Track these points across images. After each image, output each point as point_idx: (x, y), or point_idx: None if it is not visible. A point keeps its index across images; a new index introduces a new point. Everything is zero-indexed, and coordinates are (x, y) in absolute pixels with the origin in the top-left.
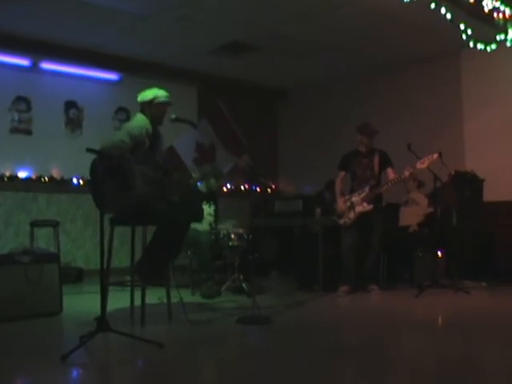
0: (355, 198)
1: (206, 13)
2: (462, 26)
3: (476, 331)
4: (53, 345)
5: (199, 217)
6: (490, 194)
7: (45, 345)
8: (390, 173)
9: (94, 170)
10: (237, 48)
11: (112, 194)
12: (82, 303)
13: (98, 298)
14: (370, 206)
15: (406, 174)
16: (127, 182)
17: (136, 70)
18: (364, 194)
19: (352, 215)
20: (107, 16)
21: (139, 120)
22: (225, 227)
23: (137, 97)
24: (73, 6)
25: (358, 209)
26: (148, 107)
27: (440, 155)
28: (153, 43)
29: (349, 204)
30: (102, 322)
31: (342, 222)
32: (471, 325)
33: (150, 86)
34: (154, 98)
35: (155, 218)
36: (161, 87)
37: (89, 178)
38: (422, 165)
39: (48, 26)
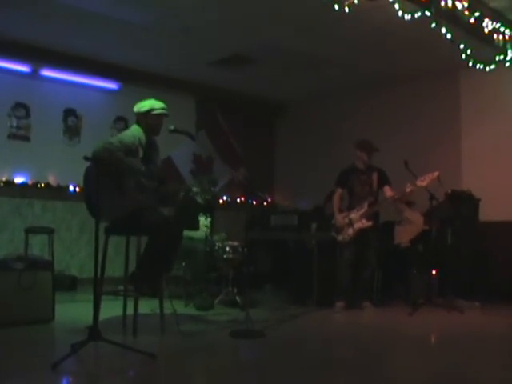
0: (354, 215)
1: (206, 25)
2: (461, 46)
3: (467, 350)
4: (44, 352)
5: (194, 228)
6: (486, 214)
7: (36, 352)
8: (388, 190)
9: (87, 178)
10: (236, 61)
11: (106, 201)
12: (74, 311)
13: (90, 307)
14: (369, 223)
15: (408, 189)
16: (121, 183)
17: (136, 79)
18: (363, 210)
19: (351, 232)
20: (109, 25)
21: (133, 130)
22: (214, 240)
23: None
24: (75, 14)
25: (357, 225)
26: (144, 118)
27: (439, 175)
28: (153, 53)
29: (347, 220)
30: (94, 331)
31: (340, 238)
32: (463, 344)
33: (148, 96)
34: (150, 110)
35: (149, 228)
36: (158, 98)
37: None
38: (422, 182)
39: (49, 33)
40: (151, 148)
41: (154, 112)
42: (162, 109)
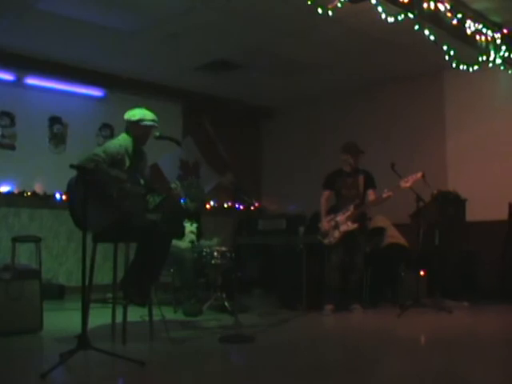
0: (340, 218)
1: (192, 31)
2: (445, 47)
3: (457, 350)
4: (32, 362)
5: (179, 233)
6: (472, 214)
7: (24, 362)
8: (371, 194)
9: (70, 190)
10: (222, 66)
11: (92, 213)
12: (63, 320)
13: (79, 315)
14: (355, 225)
15: (384, 195)
16: (105, 194)
17: (121, 86)
18: (348, 212)
19: (337, 234)
20: (93, 32)
21: (120, 139)
22: (207, 244)
23: (121, 113)
24: (59, 21)
25: (343, 228)
26: (133, 127)
27: (423, 175)
28: (138, 60)
29: (333, 223)
30: (83, 340)
31: (326, 241)
32: (452, 344)
33: (134, 103)
34: (140, 120)
35: (137, 234)
36: (146, 107)
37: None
38: (405, 184)
39: (33, 40)
40: (138, 157)
41: (144, 123)
42: (152, 120)
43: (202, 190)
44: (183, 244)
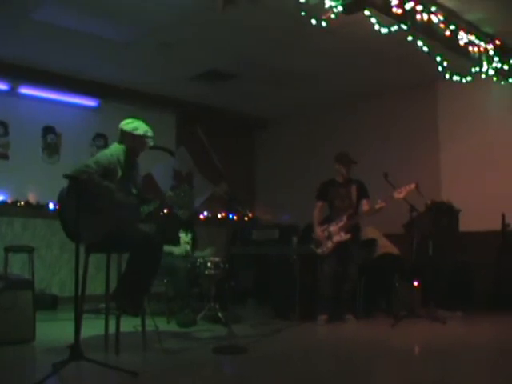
0: (333, 228)
1: (186, 41)
2: (438, 58)
3: (451, 360)
4: (25, 372)
5: (174, 241)
6: (465, 224)
7: (16, 372)
8: (365, 204)
9: (61, 202)
10: (216, 76)
11: (84, 225)
12: (55, 330)
13: (72, 326)
14: (348, 236)
15: (377, 206)
16: (97, 205)
17: (115, 96)
18: (342, 223)
19: (330, 244)
20: (87, 42)
21: (112, 149)
22: (201, 255)
23: (115, 123)
24: (53, 31)
25: (336, 238)
26: (131, 139)
27: (417, 185)
28: (132, 70)
29: (326, 233)
30: (76, 350)
31: (319, 251)
32: (446, 354)
33: (128, 113)
34: (143, 136)
35: (130, 245)
36: (143, 119)
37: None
38: (399, 195)
39: (28, 50)
40: (131, 167)
41: (144, 140)
42: (152, 141)
43: (192, 199)
44: (177, 250)
